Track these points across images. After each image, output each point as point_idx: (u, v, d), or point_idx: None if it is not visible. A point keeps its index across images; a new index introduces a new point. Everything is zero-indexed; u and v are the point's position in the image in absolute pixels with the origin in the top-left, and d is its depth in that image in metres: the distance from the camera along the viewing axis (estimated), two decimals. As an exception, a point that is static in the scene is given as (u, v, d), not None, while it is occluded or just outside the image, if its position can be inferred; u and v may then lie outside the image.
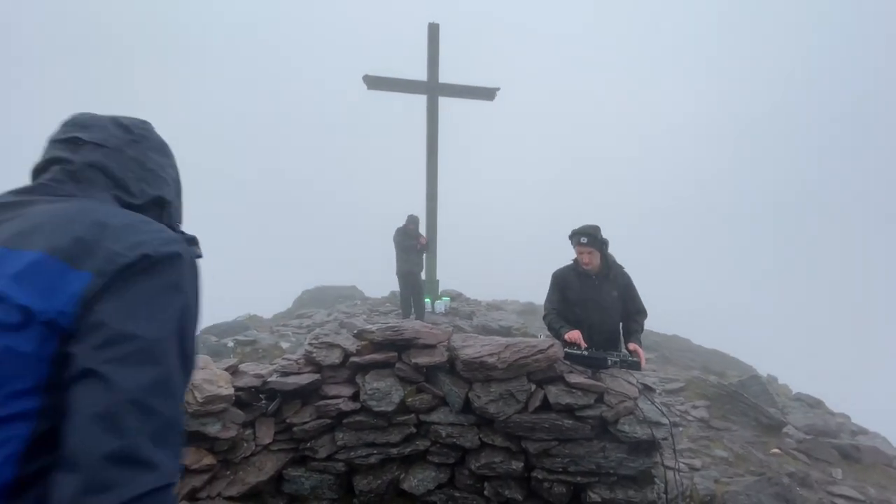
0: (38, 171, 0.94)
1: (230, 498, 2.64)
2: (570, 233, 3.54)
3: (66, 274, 0.70)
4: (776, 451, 4.91)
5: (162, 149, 1.04)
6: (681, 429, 5.30)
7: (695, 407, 5.88)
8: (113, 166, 0.93)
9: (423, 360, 3.09)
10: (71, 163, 0.91)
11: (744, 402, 5.69)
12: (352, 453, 2.93)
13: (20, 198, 0.84)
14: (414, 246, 7.60)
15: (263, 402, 3.12)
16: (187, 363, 0.76)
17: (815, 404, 6.91)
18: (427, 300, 8.47)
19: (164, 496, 0.64)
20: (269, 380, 3.05)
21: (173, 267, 0.77)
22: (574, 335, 3.18)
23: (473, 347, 3.11)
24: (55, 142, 0.94)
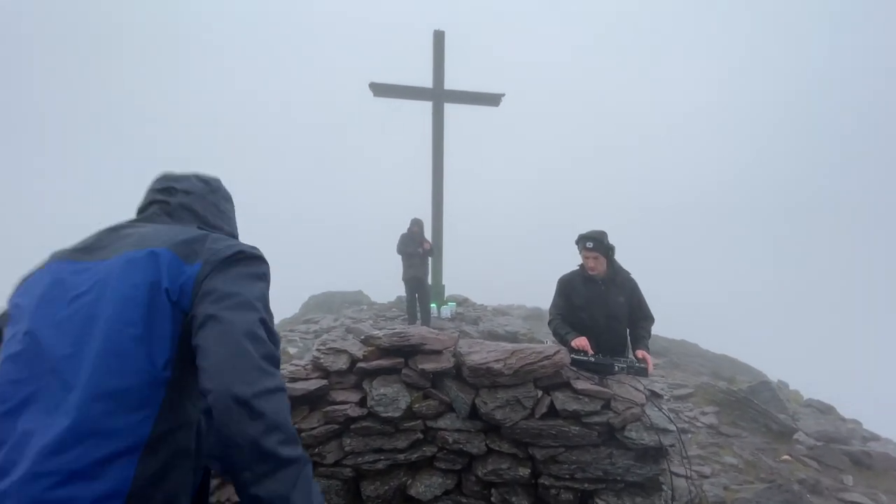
0: (142, 210, 1.24)
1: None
2: (576, 237, 3.55)
3: (181, 265, 0.98)
4: (786, 457, 4.86)
5: (229, 198, 1.41)
6: (689, 435, 5.26)
7: (704, 413, 5.83)
8: (198, 207, 1.26)
9: (429, 365, 3.10)
10: (168, 203, 1.22)
11: (754, 408, 5.64)
12: (359, 459, 2.94)
13: (134, 224, 1.16)
14: (418, 251, 7.63)
15: (272, 407, 3.15)
16: (272, 322, 1.02)
17: (826, 410, 6.82)
18: (433, 305, 8.49)
19: (285, 397, 0.92)
20: (278, 385, 3.08)
21: (259, 261, 1.09)
22: (581, 342, 3.18)
23: (479, 353, 3.12)
24: (154, 190, 1.26)
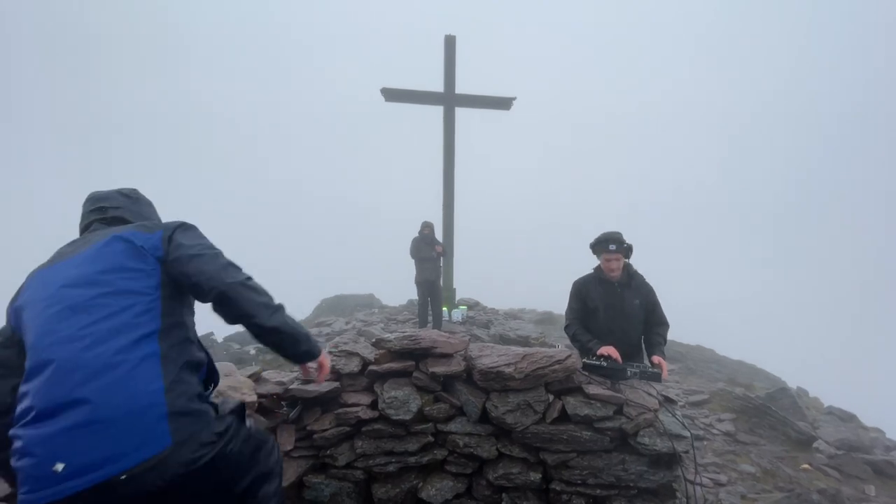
0: (84, 229, 1.68)
1: None
2: (594, 241, 3.52)
3: (146, 235, 1.49)
4: (806, 466, 4.75)
5: (149, 202, 1.87)
6: (705, 443, 5.17)
7: (720, 420, 5.73)
8: (127, 216, 1.70)
9: (440, 369, 3.11)
10: (104, 219, 1.66)
11: (772, 415, 5.52)
12: (370, 461, 2.96)
13: (87, 236, 1.59)
14: (431, 255, 7.66)
15: (285, 409, 3.19)
16: None
17: (847, 418, 6.65)
18: (444, 309, 8.49)
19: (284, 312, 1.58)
20: (291, 387, 3.11)
21: (195, 227, 1.61)
22: (611, 351, 3.11)
23: (490, 357, 3.11)
24: (89, 212, 1.70)
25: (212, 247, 1.54)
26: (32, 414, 1.18)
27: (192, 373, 1.41)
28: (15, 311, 1.42)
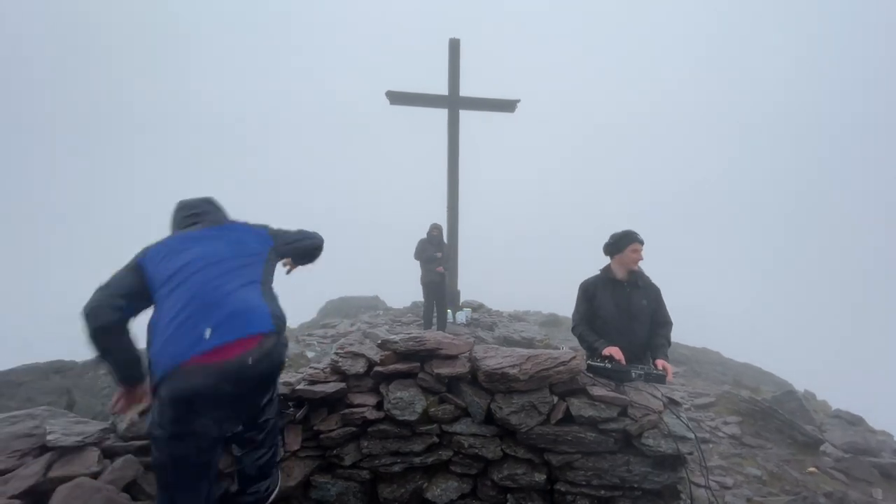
0: (186, 226, 2.29)
1: (260, 503, 2.72)
2: (615, 238, 3.52)
3: (259, 229, 2.38)
4: (813, 469, 4.72)
5: (223, 208, 2.48)
6: (711, 445, 5.15)
7: (726, 423, 5.70)
8: (218, 218, 2.37)
9: (445, 370, 3.13)
10: (204, 222, 2.29)
11: (778, 418, 5.49)
12: (376, 461, 2.98)
13: (195, 229, 2.25)
14: (436, 255, 7.68)
15: (292, 409, 3.22)
16: None
17: (855, 421, 6.59)
18: (448, 311, 8.50)
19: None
20: (298, 388, 3.14)
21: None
22: (614, 351, 3.14)
23: (495, 359, 3.13)
24: (185, 217, 2.33)
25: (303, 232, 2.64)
26: (185, 315, 1.84)
27: (277, 302, 2.18)
28: (154, 265, 2.03)
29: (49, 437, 2.46)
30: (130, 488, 2.42)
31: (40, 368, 5.32)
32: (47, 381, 5.25)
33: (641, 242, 3.43)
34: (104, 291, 1.96)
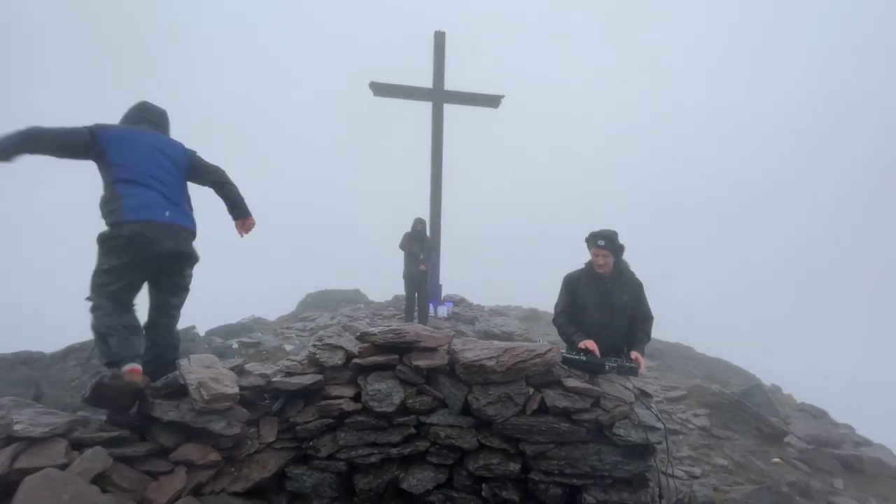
0: (137, 121, 3.03)
1: (234, 494, 2.70)
2: (587, 235, 3.58)
3: (183, 147, 3.13)
4: (777, 460, 4.90)
5: (168, 120, 3.22)
6: (682, 437, 5.30)
7: (696, 415, 5.88)
8: (164, 125, 3.15)
9: (423, 362, 3.15)
10: (151, 123, 3.06)
11: (745, 411, 5.68)
12: (353, 453, 2.99)
13: (144, 127, 3.01)
14: (418, 255, 7.68)
15: (268, 401, 3.19)
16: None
17: (818, 415, 6.87)
18: (430, 305, 8.53)
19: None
20: (274, 380, 3.13)
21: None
22: (589, 344, 3.20)
23: (473, 351, 3.17)
24: (142, 117, 3.05)
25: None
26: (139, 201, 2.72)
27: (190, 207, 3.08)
28: (108, 136, 2.77)
29: (16, 428, 2.39)
30: (99, 480, 2.37)
31: (6, 359, 5.14)
32: (14, 372, 5.07)
33: (599, 247, 3.41)
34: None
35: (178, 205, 2.92)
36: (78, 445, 2.48)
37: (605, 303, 3.47)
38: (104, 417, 2.74)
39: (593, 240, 3.47)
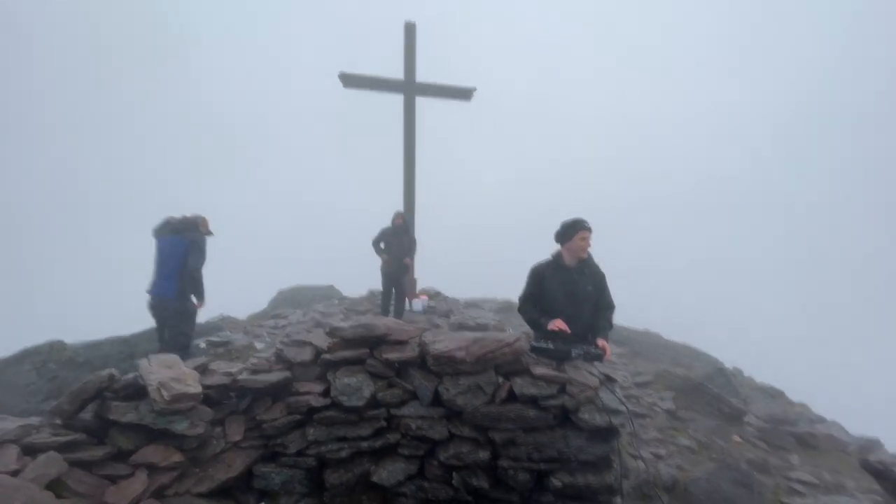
0: (161, 229, 5.03)
1: (199, 495, 2.65)
2: (565, 225, 3.61)
3: (182, 242, 4.89)
4: (737, 439, 5.13)
5: (196, 226, 5.07)
6: (648, 420, 5.48)
7: (662, 399, 6.08)
8: (182, 229, 4.96)
9: (394, 355, 3.15)
10: (172, 229, 4.97)
11: (708, 392, 5.92)
12: (322, 448, 2.97)
13: (165, 232, 4.99)
14: (402, 244, 7.63)
15: (234, 399, 3.13)
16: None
17: (776, 395, 7.22)
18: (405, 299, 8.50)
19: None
20: (240, 378, 3.07)
21: (197, 247, 4.96)
22: (559, 324, 3.28)
23: (443, 343, 3.18)
24: (165, 224, 5.04)
25: (193, 260, 4.86)
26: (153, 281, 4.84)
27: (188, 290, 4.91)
28: (157, 239, 4.97)
29: (-42, 436, 2.27)
30: (54, 486, 2.28)
31: (-46, 366, 4.87)
32: (-38, 379, 4.80)
33: (589, 230, 3.52)
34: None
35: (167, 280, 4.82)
36: (31, 451, 2.38)
37: (570, 293, 3.54)
38: (59, 422, 2.63)
39: (577, 226, 3.52)
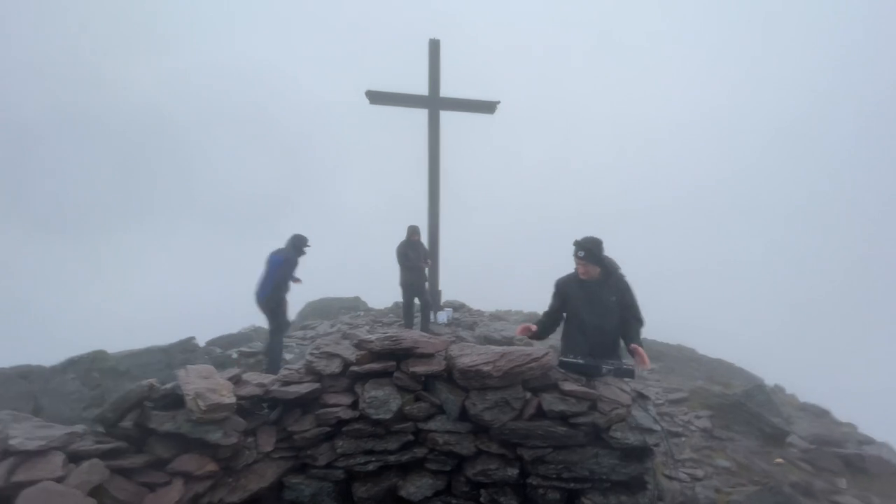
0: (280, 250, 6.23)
1: (232, 504, 2.70)
2: (573, 241, 3.63)
3: (279, 258, 6.06)
4: (779, 460, 4.88)
5: (295, 243, 6.21)
6: (683, 439, 5.28)
7: (698, 417, 5.85)
8: (289, 246, 6.20)
9: (420, 368, 3.15)
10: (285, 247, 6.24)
11: (747, 411, 5.66)
12: (351, 460, 2.99)
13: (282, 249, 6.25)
14: (418, 265, 7.73)
15: (265, 410, 3.20)
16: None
17: (821, 414, 6.84)
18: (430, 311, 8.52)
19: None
20: (271, 389, 3.13)
21: (282, 263, 6.04)
22: (520, 329, 3.55)
23: (470, 356, 3.17)
24: (292, 244, 6.21)
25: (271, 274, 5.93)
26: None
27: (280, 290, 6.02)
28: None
29: (11, 442, 2.40)
30: (97, 492, 2.37)
31: (5, 374, 5.16)
32: (13, 386, 5.09)
33: (579, 258, 3.48)
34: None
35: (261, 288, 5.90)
36: (75, 458, 2.48)
37: (594, 305, 3.49)
38: (101, 429, 2.75)
39: (574, 250, 3.54)
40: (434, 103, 9.24)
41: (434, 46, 9.23)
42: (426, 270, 7.99)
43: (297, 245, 6.15)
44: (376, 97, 9.02)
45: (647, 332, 3.67)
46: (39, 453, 2.40)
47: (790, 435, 5.49)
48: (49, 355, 5.58)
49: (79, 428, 2.76)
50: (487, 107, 9.61)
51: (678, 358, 8.57)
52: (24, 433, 2.48)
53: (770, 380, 8.94)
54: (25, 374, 5.20)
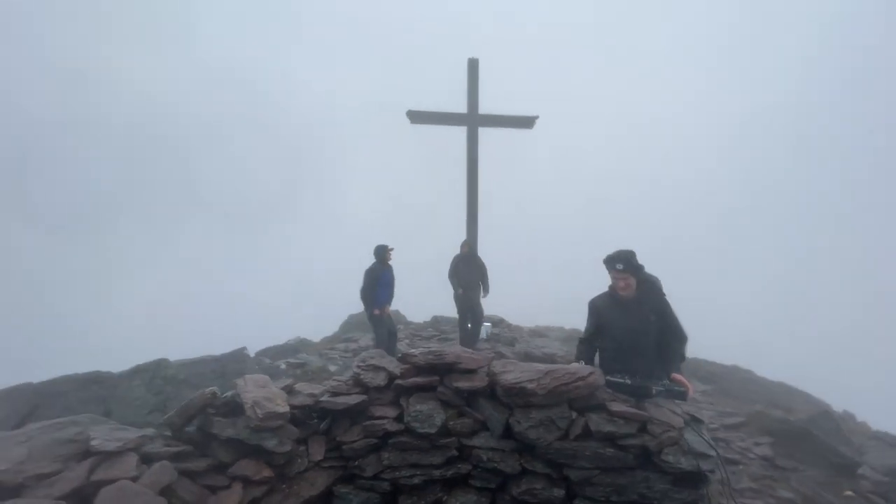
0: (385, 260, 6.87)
1: (285, 511, 2.81)
2: (605, 257, 3.51)
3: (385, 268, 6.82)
4: (849, 493, 4.51)
5: (377, 253, 6.74)
6: (741, 467, 4.97)
7: (757, 444, 5.50)
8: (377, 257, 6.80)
9: (463, 384, 3.18)
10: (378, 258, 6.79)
11: (813, 439, 5.27)
12: (397, 473, 3.04)
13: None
14: (471, 279, 7.81)
15: (316, 420, 3.32)
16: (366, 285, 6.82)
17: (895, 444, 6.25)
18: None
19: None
20: (321, 399, 3.25)
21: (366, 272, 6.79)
22: None
23: (513, 373, 3.17)
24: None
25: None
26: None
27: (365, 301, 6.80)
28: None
29: (92, 443, 2.62)
30: (166, 492, 2.55)
31: (79, 379, 5.60)
32: (85, 391, 5.51)
33: (619, 270, 3.31)
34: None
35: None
36: (147, 459, 2.68)
37: (630, 325, 3.32)
38: (168, 433, 2.95)
39: (611, 263, 3.38)
40: (473, 121, 9.39)
41: (473, 65, 9.42)
42: (481, 286, 8.02)
43: (376, 254, 6.64)
44: (417, 117, 9.28)
45: (699, 352, 3.52)
46: (116, 454, 2.61)
47: (861, 466, 5.06)
48: (118, 362, 6.03)
49: (149, 431, 2.98)
50: (526, 122, 9.66)
51: (733, 380, 8.10)
52: (103, 435, 2.71)
53: (837, 406, 8.28)
54: (97, 380, 5.63)
